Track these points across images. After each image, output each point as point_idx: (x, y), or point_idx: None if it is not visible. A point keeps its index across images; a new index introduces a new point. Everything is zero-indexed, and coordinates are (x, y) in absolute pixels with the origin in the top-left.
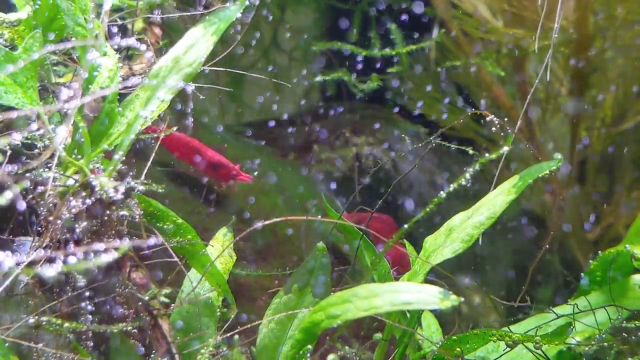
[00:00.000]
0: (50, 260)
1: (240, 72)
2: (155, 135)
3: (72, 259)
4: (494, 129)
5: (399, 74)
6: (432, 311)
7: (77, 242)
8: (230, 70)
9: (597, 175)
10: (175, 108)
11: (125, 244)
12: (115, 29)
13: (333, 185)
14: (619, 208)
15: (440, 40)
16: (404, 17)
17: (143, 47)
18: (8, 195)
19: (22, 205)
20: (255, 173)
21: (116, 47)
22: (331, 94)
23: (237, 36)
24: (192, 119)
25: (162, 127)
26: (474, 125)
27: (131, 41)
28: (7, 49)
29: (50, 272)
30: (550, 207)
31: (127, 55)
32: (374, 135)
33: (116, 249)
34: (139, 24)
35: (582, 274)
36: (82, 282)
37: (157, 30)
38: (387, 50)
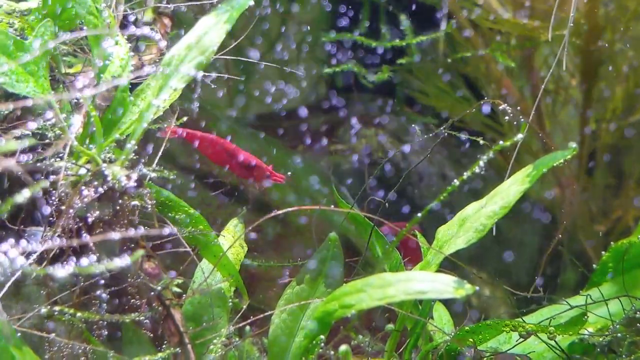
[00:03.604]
0: (62, 252)
1: (250, 60)
2: (176, 134)
3: (84, 261)
4: (507, 118)
5: (408, 65)
6: (442, 303)
7: (89, 232)
8: (240, 58)
9: (607, 168)
10: (184, 99)
11: (140, 232)
12: (124, 20)
13: (343, 177)
14: (628, 200)
15: (449, 32)
16: (413, 8)
17: (157, 35)
18: (26, 194)
19: (41, 203)
20: (289, 173)
21: (126, 36)
22: (340, 86)
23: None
24: (200, 110)
25: (182, 131)
26: (483, 118)
27: (145, 30)
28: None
29: (61, 272)
30: (560, 199)
31: (137, 45)
32: (383, 127)
33: (131, 248)
34: (148, 15)
35: (594, 265)
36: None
37: (167, 21)
38: (397, 41)
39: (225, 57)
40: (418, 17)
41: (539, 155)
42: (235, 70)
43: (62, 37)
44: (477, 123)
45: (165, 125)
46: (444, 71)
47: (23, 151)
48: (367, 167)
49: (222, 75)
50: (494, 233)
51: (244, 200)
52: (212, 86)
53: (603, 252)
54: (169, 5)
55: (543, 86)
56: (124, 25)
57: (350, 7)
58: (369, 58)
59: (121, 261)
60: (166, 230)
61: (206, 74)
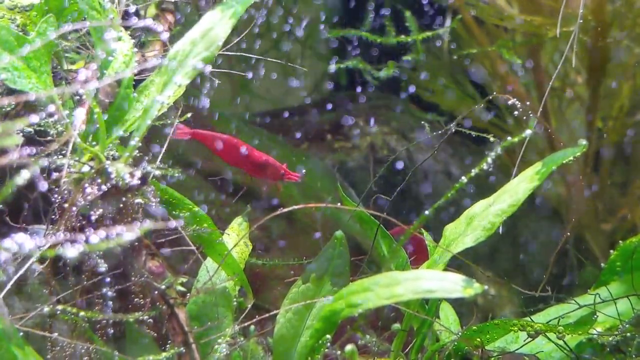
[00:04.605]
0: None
1: (256, 56)
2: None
3: (93, 239)
4: (516, 113)
5: (413, 62)
6: (449, 302)
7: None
8: (244, 54)
9: (613, 166)
10: (188, 96)
11: (146, 225)
12: (126, 15)
13: (348, 175)
14: (634, 199)
15: (454, 28)
16: (417, 4)
17: (160, 27)
18: (25, 175)
19: (43, 186)
20: (303, 171)
21: (129, 32)
22: (344, 83)
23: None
24: (206, 107)
25: (194, 131)
26: (489, 115)
27: (148, 21)
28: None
29: (72, 252)
30: (565, 197)
31: (140, 42)
32: (388, 125)
33: (135, 247)
34: (151, 10)
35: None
36: (98, 270)
37: (170, 17)
38: (402, 37)
39: (228, 53)
40: (422, 13)
41: (544, 153)
42: (239, 68)
43: (64, 28)
44: (482, 121)
45: (176, 126)
46: (448, 68)
47: (25, 145)
48: (372, 164)
49: (227, 70)
50: (500, 232)
51: (249, 197)
52: (217, 82)
53: (611, 251)
54: (171, 0)
55: (550, 83)
56: (126, 19)
57: (354, 3)
58: (373, 55)
59: (131, 235)
60: (172, 224)
61: (210, 70)
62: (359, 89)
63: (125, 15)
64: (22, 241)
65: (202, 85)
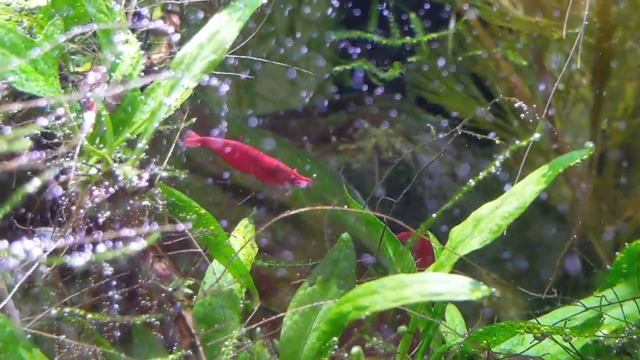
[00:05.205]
0: (72, 251)
1: (261, 59)
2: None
3: (100, 248)
4: (522, 115)
5: (418, 64)
6: (455, 304)
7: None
8: (249, 57)
9: (617, 168)
10: (192, 98)
11: (155, 229)
12: (133, 17)
13: (352, 177)
14: (639, 200)
15: (459, 29)
16: (421, 6)
17: (171, 28)
18: (36, 182)
19: (54, 191)
20: (314, 175)
21: (136, 34)
22: (349, 85)
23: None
24: (209, 110)
25: (204, 138)
26: (493, 117)
27: (159, 23)
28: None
29: (79, 261)
30: (570, 199)
31: (146, 44)
32: (393, 127)
33: (145, 236)
34: (157, 13)
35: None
36: (105, 272)
37: (175, 19)
38: (408, 39)
39: (234, 56)
40: (426, 15)
41: (549, 155)
42: (244, 70)
43: (73, 32)
44: (487, 122)
45: (186, 133)
46: (454, 70)
47: (32, 148)
48: (377, 166)
49: (232, 74)
50: (504, 234)
51: (256, 200)
52: (225, 86)
53: (617, 253)
54: (177, 1)
55: (556, 84)
56: (133, 22)
57: (358, 5)
58: (378, 57)
59: (137, 245)
60: (179, 226)
61: (216, 72)
62: (363, 91)
63: (132, 17)
64: (30, 248)
65: (206, 88)
